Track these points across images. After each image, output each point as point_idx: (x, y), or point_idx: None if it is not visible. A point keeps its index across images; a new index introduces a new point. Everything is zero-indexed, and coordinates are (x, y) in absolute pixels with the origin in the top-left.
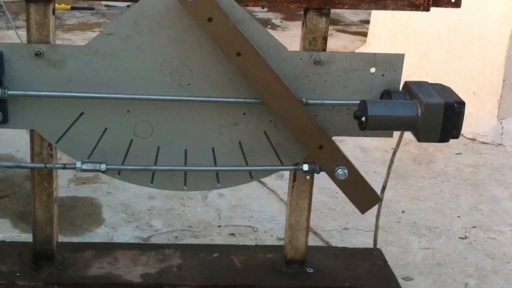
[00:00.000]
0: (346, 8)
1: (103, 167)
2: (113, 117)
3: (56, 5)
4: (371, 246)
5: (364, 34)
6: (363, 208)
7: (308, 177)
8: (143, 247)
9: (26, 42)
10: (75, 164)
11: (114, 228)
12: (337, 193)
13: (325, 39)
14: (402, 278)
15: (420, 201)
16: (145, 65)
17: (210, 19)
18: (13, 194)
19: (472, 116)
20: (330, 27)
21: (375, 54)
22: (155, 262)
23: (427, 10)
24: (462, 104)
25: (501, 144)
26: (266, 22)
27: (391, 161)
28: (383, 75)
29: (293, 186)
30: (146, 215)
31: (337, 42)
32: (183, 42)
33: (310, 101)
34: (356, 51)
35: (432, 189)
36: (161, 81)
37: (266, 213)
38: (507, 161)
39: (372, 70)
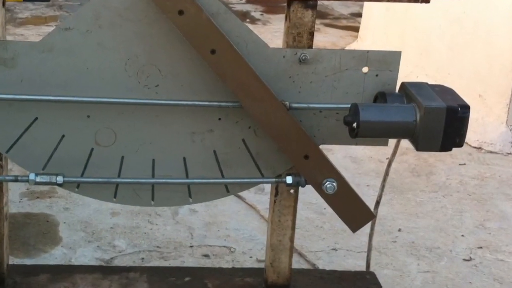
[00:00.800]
0: (335, 0)
1: (59, 179)
2: (71, 122)
3: None
4: (364, 269)
5: (356, 29)
6: (354, 226)
7: (292, 191)
8: (105, 270)
9: None
10: (28, 176)
11: (73, 249)
12: (324, 209)
13: (311, 34)
14: None
15: (419, 218)
16: (107, 64)
17: (181, 12)
18: None
19: (478, 121)
20: (317, 21)
21: (368, 51)
22: (118, 287)
23: (427, 1)
24: (466, 108)
25: (510, 154)
26: (244, 15)
27: (386, 173)
28: (377, 75)
29: (275, 201)
30: (109, 234)
31: (325, 38)
32: (150, 37)
33: (294, 105)
34: (347, 48)
35: (432, 205)
36: (125, 82)
37: (245, 231)
38: None
39: (365, 69)
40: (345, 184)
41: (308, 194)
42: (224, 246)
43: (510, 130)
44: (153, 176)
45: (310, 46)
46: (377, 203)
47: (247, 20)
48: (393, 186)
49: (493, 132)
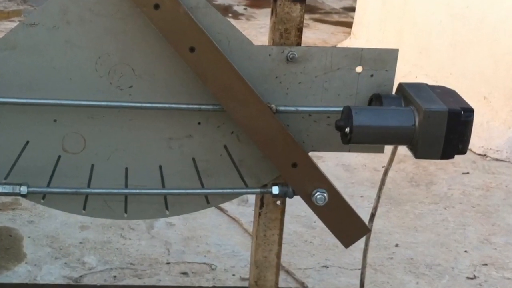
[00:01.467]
0: None
1: (23, 190)
2: (36, 127)
3: None
4: None
5: (349, 25)
6: (347, 240)
7: (278, 202)
8: None
9: None
10: None
11: (38, 266)
12: (314, 222)
13: (299, 30)
14: None
15: (418, 232)
16: (76, 63)
17: (156, 6)
18: None
19: (483, 126)
20: (306, 16)
21: (362, 49)
22: None
23: None
24: (470, 111)
25: None
26: (226, 10)
27: (382, 183)
28: (372, 75)
29: (260, 214)
30: (78, 250)
31: (314, 34)
32: (123, 34)
33: (281, 108)
34: (339, 45)
35: (432, 217)
36: (96, 83)
37: (227, 247)
38: None
39: (358, 69)
40: (337, 194)
41: (296, 206)
42: (204, 263)
43: None
44: (126, 186)
45: (299, 44)
46: (372, 215)
47: (229, 15)
48: (390, 197)
49: (499, 137)
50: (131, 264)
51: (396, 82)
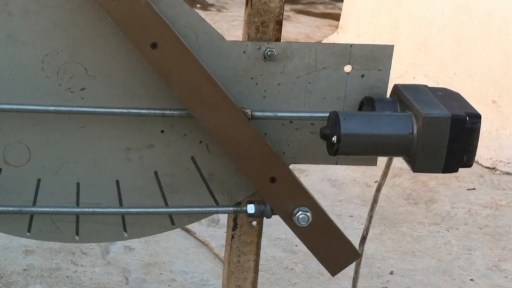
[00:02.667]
0: None
1: None
2: None
3: None
4: None
5: (336, 17)
6: (334, 267)
7: (254, 223)
8: None
9: None
10: None
11: None
12: (296, 245)
13: (279, 24)
14: None
15: (417, 258)
16: (20, 61)
17: None
18: None
19: (492, 134)
20: (287, 7)
21: (351, 45)
22: None
23: None
24: (477, 117)
25: None
26: (194, 0)
27: (375, 200)
28: (362, 75)
29: (233, 236)
30: (21, 278)
31: (296, 28)
32: (74, 28)
33: (258, 114)
34: (324, 41)
35: (433, 240)
36: (42, 85)
37: (194, 274)
38: None
39: (347, 68)
40: (322, 214)
41: (275, 227)
42: None
43: None
44: (77, 205)
45: (278, 39)
46: (363, 238)
47: (198, 5)
48: (384, 217)
49: (510, 148)
50: None
51: (391, 84)
